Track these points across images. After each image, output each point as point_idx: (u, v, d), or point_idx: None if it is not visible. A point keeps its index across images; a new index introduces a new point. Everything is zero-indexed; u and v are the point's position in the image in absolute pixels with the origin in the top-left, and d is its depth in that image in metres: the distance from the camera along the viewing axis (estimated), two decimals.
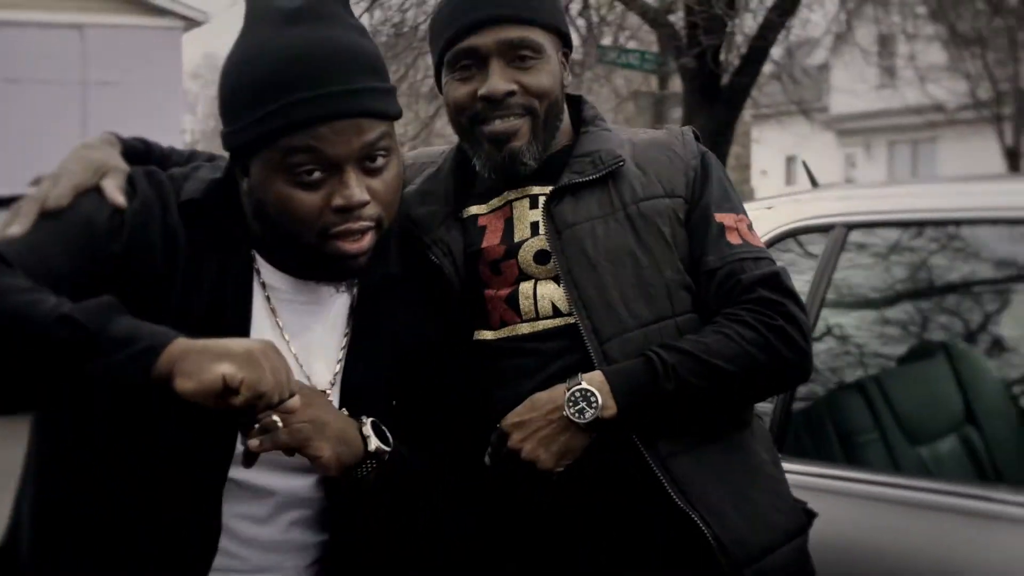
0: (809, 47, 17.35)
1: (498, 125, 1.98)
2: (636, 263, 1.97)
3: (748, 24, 9.89)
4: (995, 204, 2.65)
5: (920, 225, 2.80)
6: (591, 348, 1.93)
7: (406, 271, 1.92)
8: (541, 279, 1.99)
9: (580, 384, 1.88)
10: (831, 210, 2.85)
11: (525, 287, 1.99)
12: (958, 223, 2.74)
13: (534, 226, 2.02)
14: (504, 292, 2.00)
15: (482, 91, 1.97)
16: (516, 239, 2.02)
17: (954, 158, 24.74)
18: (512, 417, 1.91)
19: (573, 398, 1.87)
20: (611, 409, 1.88)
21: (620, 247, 1.98)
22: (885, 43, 19.32)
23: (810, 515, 2.10)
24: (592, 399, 1.87)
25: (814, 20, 12.54)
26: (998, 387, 3.13)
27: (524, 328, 1.98)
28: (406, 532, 1.89)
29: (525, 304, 1.98)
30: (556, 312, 1.97)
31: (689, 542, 1.91)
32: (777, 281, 1.98)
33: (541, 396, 1.91)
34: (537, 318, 1.98)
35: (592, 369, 1.91)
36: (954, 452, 2.93)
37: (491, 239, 2.03)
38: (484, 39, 1.97)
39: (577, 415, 1.87)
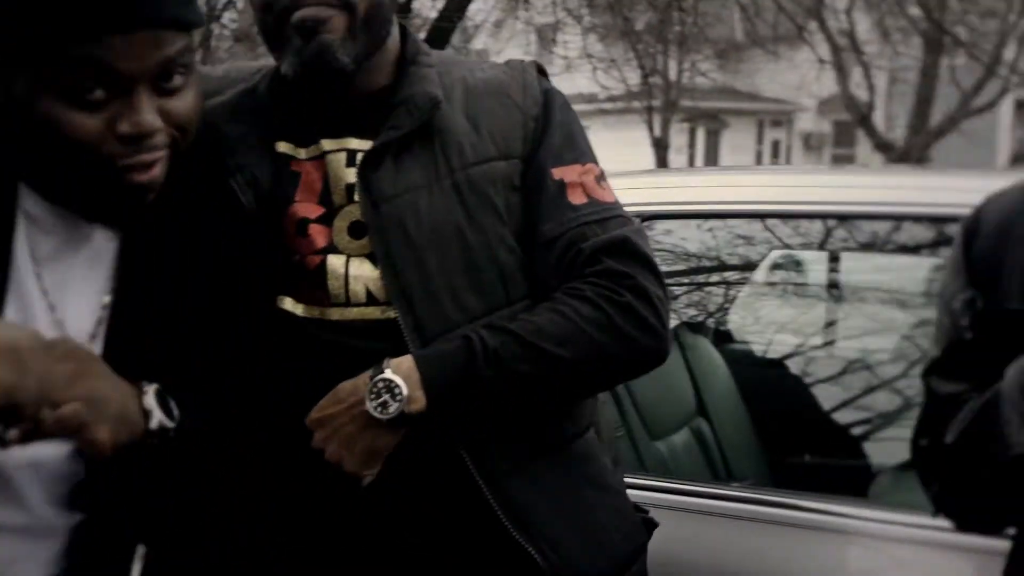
0: (469, 32, 17.55)
1: (308, 11, 1.62)
2: (464, 245, 1.67)
3: (426, 6, 9.85)
4: (736, 198, 2.63)
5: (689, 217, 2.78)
6: (411, 347, 1.62)
7: (201, 198, 1.59)
8: (354, 255, 1.67)
9: (383, 373, 1.58)
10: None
11: (335, 263, 1.66)
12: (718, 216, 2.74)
13: (349, 190, 1.68)
14: (312, 262, 1.67)
15: None
16: (336, 203, 1.69)
17: (606, 147, 25.72)
18: (315, 412, 1.60)
19: (375, 389, 1.57)
20: (419, 402, 1.58)
21: (446, 225, 1.67)
22: (543, 31, 19.86)
23: (650, 526, 1.89)
24: (396, 390, 1.57)
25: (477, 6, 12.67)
26: (726, 378, 3.15)
27: (333, 314, 1.66)
28: (184, 509, 1.55)
29: (334, 285, 1.66)
30: (370, 299, 1.66)
31: (526, 569, 1.67)
32: (625, 247, 1.68)
33: (345, 386, 1.60)
34: (348, 304, 1.66)
35: None
36: (688, 447, 2.92)
37: (307, 193, 1.69)
38: None
39: (379, 409, 1.57)
